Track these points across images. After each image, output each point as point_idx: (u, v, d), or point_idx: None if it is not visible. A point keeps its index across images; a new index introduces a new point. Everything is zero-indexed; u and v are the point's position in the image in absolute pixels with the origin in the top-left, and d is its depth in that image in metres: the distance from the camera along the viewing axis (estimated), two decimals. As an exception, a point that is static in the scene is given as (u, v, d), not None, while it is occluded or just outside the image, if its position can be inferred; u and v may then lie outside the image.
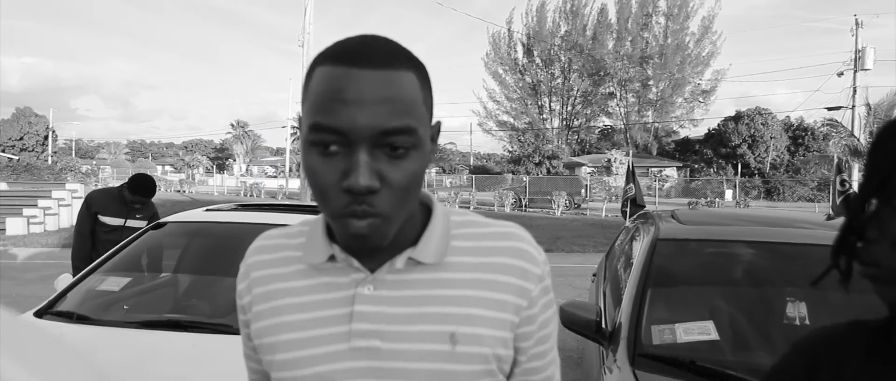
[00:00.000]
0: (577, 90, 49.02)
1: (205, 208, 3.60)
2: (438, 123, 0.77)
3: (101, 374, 0.42)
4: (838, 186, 7.53)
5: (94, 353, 2.17)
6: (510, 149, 48.26)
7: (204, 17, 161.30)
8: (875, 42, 64.41)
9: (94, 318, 2.57)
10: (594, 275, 4.22)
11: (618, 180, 28.77)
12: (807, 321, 2.18)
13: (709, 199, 29.79)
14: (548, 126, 49.94)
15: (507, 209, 25.56)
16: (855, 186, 8.35)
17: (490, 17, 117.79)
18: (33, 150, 43.94)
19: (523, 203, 27.39)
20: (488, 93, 52.31)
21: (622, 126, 48.70)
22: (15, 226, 13.17)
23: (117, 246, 3.21)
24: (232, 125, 64.29)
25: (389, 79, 0.66)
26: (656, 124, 47.63)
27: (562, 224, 18.79)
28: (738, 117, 40.15)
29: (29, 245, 11.54)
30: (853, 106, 24.27)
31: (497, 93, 50.86)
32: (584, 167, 39.83)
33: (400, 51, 0.69)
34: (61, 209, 14.59)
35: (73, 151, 59.94)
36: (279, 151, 65.26)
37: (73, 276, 3.10)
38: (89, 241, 4.01)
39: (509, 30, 49.86)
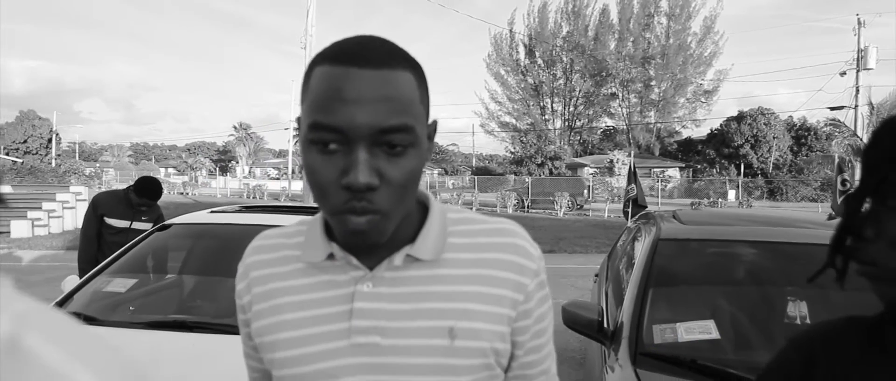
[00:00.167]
0: (579, 91, 48.87)
1: (209, 210, 3.61)
2: (435, 122, 0.78)
3: (142, 373, 0.44)
4: (840, 186, 7.53)
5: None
6: (512, 150, 48.26)
7: (206, 19, 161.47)
8: (877, 41, 64.23)
9: (100, 319, 2.59)
10: (596, 275, 4.22)
11: (620, 181, 28.67)
12: (807, 320, 2.19)
13: (712, 199, 29.63)
14: (550, 127, 49.79)
15: (510, 210, 25.50)
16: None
17: (492, 18, 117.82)
18: (37, 153, 43.97)
19: (526, 204, 27.34)
20: (490, 94, 52.34)
21: (624, 127, 48.54)
22: (19, 229, 13.23)
23: (123, 248, 3.23)
24: (234, 127, 64.32)
25: (387, 78, 0.67)
26: (659, 125, 47.44)
27: (564, 225, 18.77)
28: (740, 117, 39.98)
29: (33, 248, 11.59)
30: (856, 105, 24.23)
31: (499, 94, 50.80)
32: (586, 168, 39.68)
33: (397, 51, 0.71)
34: (65, 212, 14.64)
35: (77, 154, 59.97)
36: (282, 153, 65.23)
37: (80, 278, 3.13)
38: (95, 243, 4.02)
39: (511, 31, 49.82)
